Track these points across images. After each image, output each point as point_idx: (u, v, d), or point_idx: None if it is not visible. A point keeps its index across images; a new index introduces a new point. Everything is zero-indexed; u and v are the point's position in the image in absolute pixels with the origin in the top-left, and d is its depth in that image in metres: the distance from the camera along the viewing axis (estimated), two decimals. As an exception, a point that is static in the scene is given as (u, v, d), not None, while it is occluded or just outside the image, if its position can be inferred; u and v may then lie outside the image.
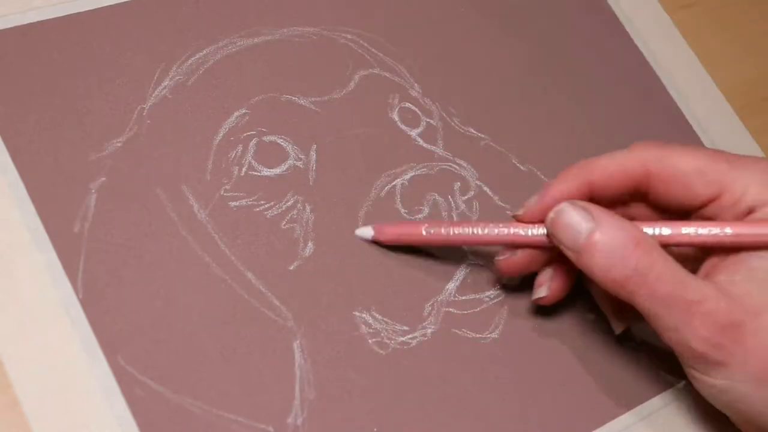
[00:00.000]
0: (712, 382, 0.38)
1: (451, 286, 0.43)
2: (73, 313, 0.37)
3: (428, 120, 0.47)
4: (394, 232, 0.42)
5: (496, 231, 0.41)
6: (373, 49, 0.48)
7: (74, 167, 0.40)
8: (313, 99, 0.45)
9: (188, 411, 0.37)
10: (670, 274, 0.37)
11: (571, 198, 0.40)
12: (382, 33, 0.48)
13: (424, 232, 0.41)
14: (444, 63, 0.49)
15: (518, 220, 0.41)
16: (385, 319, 0.41)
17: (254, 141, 0.43)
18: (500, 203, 0.46)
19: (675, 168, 0.40)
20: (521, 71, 0.51)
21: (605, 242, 0.38)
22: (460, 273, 0.43)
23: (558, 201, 0.40)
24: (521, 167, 0.47)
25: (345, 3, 0.48)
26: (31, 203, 0.39)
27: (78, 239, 0.38)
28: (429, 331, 0.41)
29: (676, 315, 0.37)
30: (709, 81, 0.55)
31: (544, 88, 0.51)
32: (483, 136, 0.48)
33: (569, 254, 0.39)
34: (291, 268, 0.41)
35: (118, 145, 0.41)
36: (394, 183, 0.44)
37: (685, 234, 0.39)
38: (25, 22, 0.42)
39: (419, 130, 0.46)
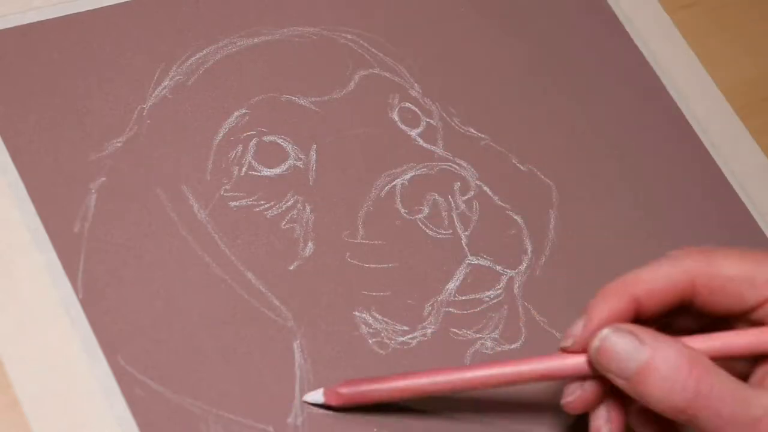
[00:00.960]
0: None
1: (451, 286, 0.43)
2: (73, 313, 0.37)
3: (428, 120, 0.47)
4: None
5: (539, 366, 0.38)
6: (373, 49, 0.48)
7: (74, 167, 0.40)
8: (313, 99, 0.45)
9: (188, 411, 0.37)
10: (730, 392, 0.36)
11: (618, 319, 0.38)
12: (382, 33, 0.48)
13: (452, 377, 0.38)
14: (444, 63, 0.49)
15: (567, 351, 0.39)
16: (385, 319, 0.41)
17: (254, 141, 0.43)
18: (500, 203, 0.46)
19: (722, 277, 0.38)
20: (521, 71, 0.51)
21: (660, 368, 0.36)
22: (460, 273, 0.43)
23: (605, 324, 0.38)
24: (521, 167, 0.47)
25: (345, 3, 0.48)
26: (31, 203, 0.39)
27: (78, 239, 0.38)
28: (429, 331, 0.41)
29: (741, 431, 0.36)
30: (709, 81, 0.55)
31: (544, 88, 0.51)
32: (483, 136, 0.47)
33: (619, 382, 0.37)
34: (291, 268, 0.41)
35: (118, 145, 0.41)
36: (394, 183, 0.44)
37: (736, 345, 0.38)
38: (25, 22, 0.42)
39: (419, 130, 0.46)
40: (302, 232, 0.42)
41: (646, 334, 0.37)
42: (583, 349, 0.38)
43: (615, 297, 0.38)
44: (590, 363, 0.37)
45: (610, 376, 0.37)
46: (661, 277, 0.39)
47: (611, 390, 0.38)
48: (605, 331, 0.37)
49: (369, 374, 0.39)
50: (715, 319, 0.39)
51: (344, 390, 0.38)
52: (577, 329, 0.38)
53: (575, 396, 0.39)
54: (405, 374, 0.38)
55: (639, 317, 0.38)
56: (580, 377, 0.38)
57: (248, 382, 0.38)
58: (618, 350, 0.36)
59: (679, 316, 0.40)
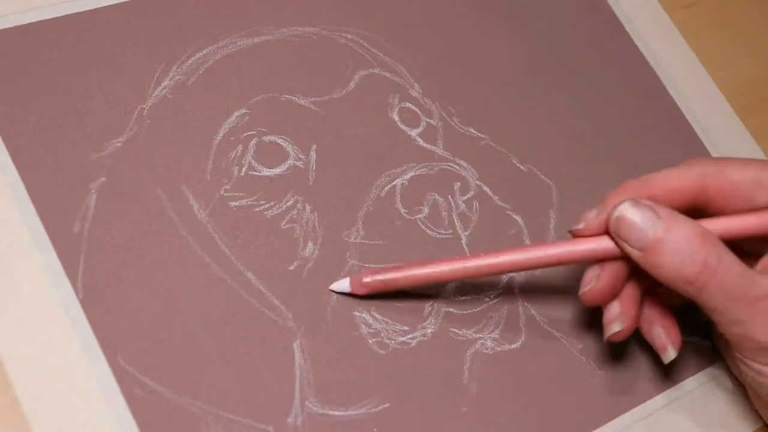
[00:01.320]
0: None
1: (451, 286, 0.43)
2: (73, 313, 0.37)
3: (428, 120, 0.47)
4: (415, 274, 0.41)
5: (553, 251, 0.40)
6: (373, 49, 0.48)
7: (74, 167, 0.40)
8: (313, 99, 0.45)
9: (188, 411, 0.37)
10: (737, 270, 0.38)
11: None
12: (382, 33, 0.48)
13: (469, 264, 0.40)
14: (444, 63, 0.49)
15: (577, 235, 0.41)
16: (385, 319, 0.41)
17: (254, 141, 0.43)
18: (500, 203, 0.46)
19: (732, 180, 0.40)
20: (521, 71, 0.51)
21: (673, 239, 0.38)
22: (460, 273, 0.43)
23: None
24: (521, 167, 0.47)
25: (345, 3, 0.48)
26: (31, 203, 0.39)
27: (78, 239, 0.38)
28: (429, 331, 0.41)
29: (741, 309, 0.38)
30: (709, 81, 0.55)
31: (544, 88, 0.51)
32: (483, 136, 0.48)
33: (634, 254, 0.39)
34: (291, 268, 0.41)
35: (118, 145, 0.41)
36: (394, 183, 0.44)
37: (745, 225, 0.40)
38: (25, 22, 0.42)
39: (419, 130, 0.46)
40: (302, 232, 0.42)
41: (663, 209, 0.39)
42: (597, 233, 0.40)
43: (631, 191, 0.40)
44: (609, 236, 0.40)
45: (626, 247, 0.39)
46: (675, 178, 0.41)
47: (625, 280, 0.40)
48: (625, 203, 0.39)
49: (369, 374, 0.40)
50: None
51: (369, 279, 0.40)
52: (591, 215, 0.40)
53: (591, 286, 0.41)
54: (426, 262, 0.41)
55: None
56: (594, 261, 0.40)
57: (248, 382, 0.38)
58: (636, 220, 0.39)
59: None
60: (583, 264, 0.41)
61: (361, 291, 0.41)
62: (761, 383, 0.40)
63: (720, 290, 0.38)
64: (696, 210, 0.41)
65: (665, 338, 0.42)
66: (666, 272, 0.38)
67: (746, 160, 0.41)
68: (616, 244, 0.39)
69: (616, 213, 0.39)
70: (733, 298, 0.38)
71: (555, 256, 0.40)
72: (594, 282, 0.40)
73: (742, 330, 0.38)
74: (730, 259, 0.38)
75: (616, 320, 0.41)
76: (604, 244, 0.40)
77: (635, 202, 0.39)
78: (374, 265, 0.42)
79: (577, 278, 0.43)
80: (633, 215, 0.39)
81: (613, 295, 0.41)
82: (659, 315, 0.42)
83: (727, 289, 0.38)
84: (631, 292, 0.41)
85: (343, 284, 0.41)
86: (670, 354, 0.42)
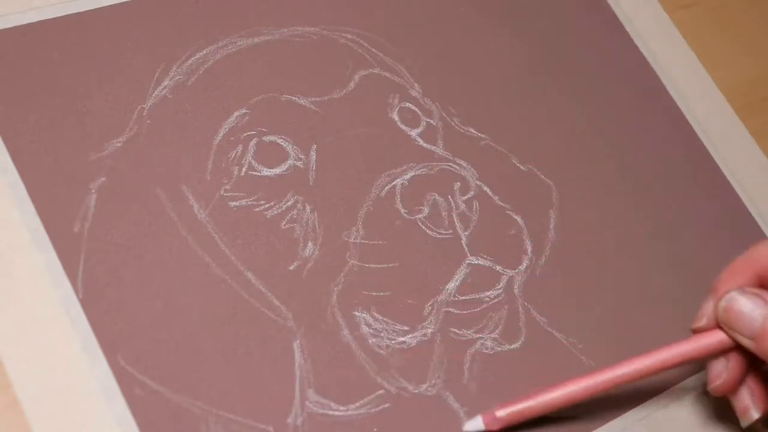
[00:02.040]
0: None
1: (451, 286, 0.43)
2: (73, 313, 0.37)
3: (428, 120, 0.47)
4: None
5: (678, 351, 0.40)
6: (373, 49, 0.48)
7: (74, 167, 0.40)
8: (313, 99, 0.45)
9: (188, 411, 0.37)
10: None
11: None
12: (382, 33, 0.48)
13: (598, 380, 0.40)
14: (444, 63, 0.49)
15: (697, 331, 0.41)
16: (385, 319, 0.41)
17: (254, 141, 0.43)
18: (500, 203, 0.46)
19: None
20: (521, 71, 0.51)
21: None
22: (460, 273, 0.43)
23: None
24: (521, 167, 0.47)
25: (345, 3, 0.48)
26: (31, 203, 0.39)
27: (78, 239, 0.38)
28: (429, 331, 0.41)
29: None
30: (709, 81, 0.55)
31: (544, 88, 0.51)
32: (483, 136, 0.48)
33: (746, 343, 0.39)
34: (291, 268, 0.41)
35: (118, 145, 0.41)
36: (394, 183, 0.44)
37: None
38: (25, 22, 0.42)
39: (419, 130, 0.46)
40: (302, 232, 0.42)
41: None
42: (713, 328, 0.40)
43: (740, 274, 0.40)
44: (720, 327, 0.40)
45: (737, 336, 0.39)
46: None
47: (752, 368, 0.40)
48: (732, 293, 0.39)
49: (369, 374, 0.40)
50: None
51: (501, 413, 0.39)
52: (708, 308, 0.40)
53: (721, 380, 0.40)
54: (554, 385, 0.40)
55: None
56: (718, 354, 0.40)
57: (248, 382, 0.38)
58: (743, 309, 0.39)
59: None
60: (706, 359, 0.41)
61: (496, 427, 0.40)
62: None
63: None
64: None
65: (751, 403, 0.41)
66: None
67: None
68: (727, 334, 0.40)
69: (723, 303, 0.39)
70: None
71: (680, 356, 0.40)
72: (724, 374, 0.40)
73: None
74: None
75: (751, 407, 0.41)
76: (723, 337, 0.40)
77: (742, 291, 0.39)
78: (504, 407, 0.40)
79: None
80: (740, 304, 0.39)
81: (741, 382, 0.41)
82: (750, 382, 0.41)
83: None
84: (756, 375, 0.41)
85: (477, 424, 0.40)
86: (751, 415, 0.41)
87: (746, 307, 0.39)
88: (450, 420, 0.40)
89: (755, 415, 0.41)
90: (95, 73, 0.42)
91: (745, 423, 0.41)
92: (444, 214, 0.44)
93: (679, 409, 0.44)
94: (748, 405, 0.41)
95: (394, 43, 0.48)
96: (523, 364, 0.42)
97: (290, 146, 0.44)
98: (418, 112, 0.47)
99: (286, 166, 0.43)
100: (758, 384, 0.41)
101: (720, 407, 0.44)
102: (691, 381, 0.45)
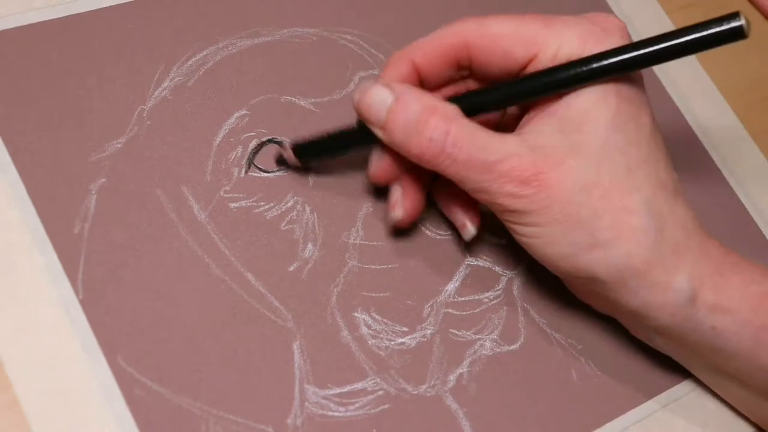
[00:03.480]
0: (524, 230, 0.39)
1: (451, 287, 0.43)
2: (73, 314, 0.37)
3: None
4: None
5: None
6: (372, 50, 0.48)
7: (74, 168, 0.40)
8: (313, 100, 0.45)
9: (188, 411, 0.37)
10: (467, 138, 0.38)
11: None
12: (382, 34, 0.48)
13: None
14: (444, 63, 0.49)
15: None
16: (384, 319, 0.41)
17: (254, 142, 0.43)
18: (500, 204, 0.46)
19: (491, 34, 0.40)
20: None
21: (402, 113, 0.39)
22: (460, 274, 0.43)
23: None
24: (521, 168, 0.47)
25: (345, 4, 0.48)
26: (31, 203, 0.39)
27: (78, 240, 0.38)
28: (428, 332, 0.41)
29: (480, 177, 0.38)
30: (709, 81, 0.55)
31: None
32: (483, 136, 0.47)
33: (378, 134, 0.40)
34: (291, 269, 0.41)
35: (119, 145, 0.41)
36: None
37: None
38: (25, 23, 0.42)
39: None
40: (302, 233, 0.42)
41: (399, 86, 0.40)
42: None
43: (397, 63, 0.41)
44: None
45: (372, 127, 0.40)
46: (435, 41, 0.41)
47: (406, 165, 0.41)
48: (363, 85, 0.40)
49: (368, 375, 0.40)
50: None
51: None
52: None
53: (372, 168, 0.41)
54: None
55: (424, 84, 0.41)
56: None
57: (248, 383, 0.38)
58: (372, 101, 0.39)
59: (468, 86, 0.42)
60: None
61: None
62: (526, 244, 0.40)
63: (453, 162, 0.38)
64: (462, 70, 0.42)
65: (463, 216, 0.42)
66: (400, 148, 0.39)
67: (511, 15, 0.41)
68: (366, 125, 0.40)
69: (356, 96, 0.40)
70: (468, 168, 0.38)
71: None
72: (375, 162, 0.41)
73: (487, 197, 0.39)
74: (459, 130, 0.38)
75: (397, 205, 0.42)
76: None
77: (373, 82, 0.40)
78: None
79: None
80: (370, 95, 0.39)
81: (395, 175, 0.41)
82: (459, 199, 0.42)
83: (460, 161, 0.38)
84: (413, 177, 0.42)
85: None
86: (469, 230, 0.42)
87: (374, 97, 0.39)
88: (449, 421, 0.40)
89: (472, 229, 0.42)
90: (95, 73, 0.42)
91: (467, 237, 0.42)
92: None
93: (677, 410, 0.44)
94: (463, 222, 0.42)
95: (394, 44, 0.48)
96: (523, 365, 0.42)
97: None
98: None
99: (286, 167, 0.43)
100: (466, 201, 0.42)
101: (720, 407, 0.45)
102: (690, 382, 0.45)
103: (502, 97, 0.40)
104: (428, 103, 0.39)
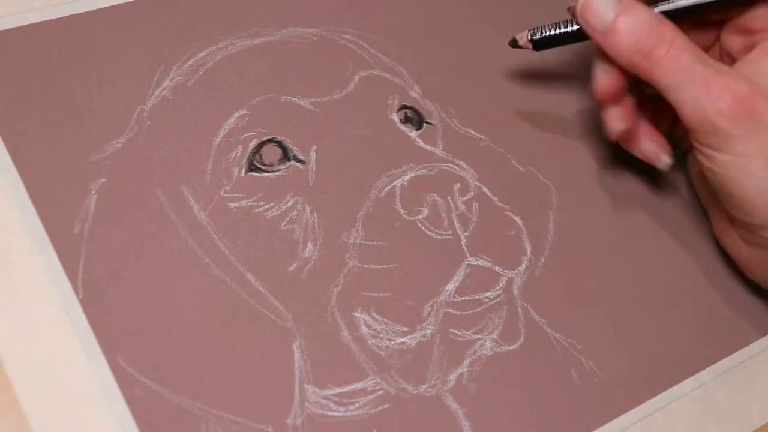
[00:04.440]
0: (722, 159, 0.40)
1: (451, 287, 0.43)
2: (73, 314, 0.37)
3: (428, 121, 0.47)
4: None
5: None
6: (372, 50, 0.48)
7: (74, 168, 0.40)
8: (313, 100, 0.45)
9: (188, 411, 0.37)
10: (691, 48, 0.40)
11: None
12: (382, 34, 0.48)
13: None
14: (444, 64, 0.49)
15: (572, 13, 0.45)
16: (384, 319, 0.41)
17: (254, 142, 0.43)
18: (500, 204, 0.46)
19: None
20: (521, 72, 0.51)
21: (630, 20, 0.41)
22: (460, 274, 0.43)
23: None
24: (521, 168, 0.47)
25: (345, 4, 0.48)
26: (31, 203, 0.39)
27: (78, 240, 0.38)
28: (428, 331, 0.41)
29: (696, 85, 0.39)
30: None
31: (544, 89, 0.51)
32: (482, 137, 0.48)
33: (596, 36, 0.42)
34: (291, 268, 0.41)
35: (118, 145, 0.41)
36: (393, 184, 0.44)
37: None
38: (25, 23, 0.42)
39: (419, 131, 0.46)
40: (302, 233, 0.42)
41: None
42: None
43: None
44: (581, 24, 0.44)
45: (591, 31, 0.42)
46: None
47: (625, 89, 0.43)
48: None
49: (368, 375, 0.40)
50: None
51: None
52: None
53: (600, 83, 0.44)
54: None
55: None
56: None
57: (248, 383, 0.38)
58: (597, 5, 0.42)
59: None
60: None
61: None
62: (718, 172, 0.40)
63: (674, 66, 0.40)
64: None
65: (657, 148, 0.44)
66: (623, 50, 0.41)
67: None
68: (584, 29, 0.43)
69: (580, 2, 0.43)
70: (687, 74, 0.39)
71: None
72: (604, 78, 0.43)
73: (695, 109, 0.39)
74: (684, 40, 0.40)
75: (660, 152, 0.44)
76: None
77: None
78: None
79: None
80: (596, 3, 0.42)
81: (618, 96, 0.43)
82: (649, 131, 0.45)
83: (682, 64, 0.40)
84: (629, 101, 0.44)
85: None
86: (664, 160, 0.44)
87: (601, 5, 0.42)
88: (449, 421, 0.40)
89: (667, 159, 0.44)
90: (95, 73, 0.42)
91: (664, 167, 0.44)
92: (443, 214, 0.44)
93: (678, 410, 0.44)
94: (656, 151, 0.44)
95: (394, 44, 0.48)
96: (523, 364, 0.42)
97: (290, 147, 0.44)
98: (418, 112, 0.47)
99: (286, 167, 0.43)
100: (653, 131, 0.44)
101: (720, 407, 0.45)
102: (690, 382, 0.45)
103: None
104: (659, 17, 0.41)
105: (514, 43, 0.47)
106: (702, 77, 0.39)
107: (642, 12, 0.41)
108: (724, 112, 0.39)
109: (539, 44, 0.47)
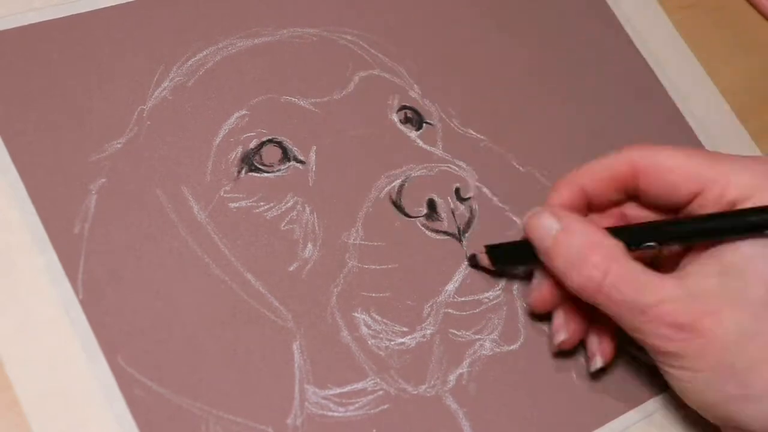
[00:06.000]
0: (675, 373, 0.39)
1: (451, 287, 0.43)
2: (73, 314, 0.37)
3: (428, 121, 0.47)
4: None
5: None
6: (372, 50, 0.48)
7: (74, 168, 0.40)
8: (312, 100, 0.45)
9: (188, 411, 0.37)
10: (626, 280, 0.38)
11: (569, 209, 0.41)
12: (382, 34, 0.48)
13: None
14: (443, 64, 0.49)
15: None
16: (384, 320, 0.41)
17: (254, 142, 0.43)
18: (499, 204, 0.46)
19: (658, 166, 0.41)
20: (521, 72, 0.51)
21: (565, 245, 0.39)
22: (459, 274, 0.43)
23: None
24: (520, 168, 0.47)
25: (345, 4, 0.48)
26: (31, 204, 0.39)
27: (78, 240, 0.38)
28: (428, 332, 0.41)
29: (635, 317, 0.38)
30: (709, 81, 0.55)
31: (544, 89, 0.51)
32: (482, 137, 0.48)
33: (542, 258, 0.40)
34: (290, 269, 0.41)
35: (118, 146, 0.41)
36: (393, 184, 0.44)
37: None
38: (25, 23, 0.42)
39: (419, 131, 0.46)
40: (302, 233, 0.42)
41: (568, 216, 0.40)
42: None
43: (565, 188, 0.42)
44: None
45: (538, 253, 0.41)
46: (605, 167, 0.42)
47: (598, 319, 0.42)
48: (534, 209, 0.41)
49: (368, 375, 0.40)
50: (662, 212, 0.42)
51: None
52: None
53: (532, 296, 0.42)
54: None
55: (591, 209, 0.42)
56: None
57: (248, 383, 0.38)
58: (539, 225, 0.40)
59: (632, 211, 0.43)
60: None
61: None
62: (677, 386, 0.39)
63: (608, 301, 0.38)
64: (629, 194, 0.42)
65: (596, 347, 0.42)
66: (560, 279, 0.40)
67: (684, 148, 0.41)
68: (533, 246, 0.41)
69: (525, 217, 0.41)
70: (625, 308, 0.38)
71: None
72: (535, 292, 0.42)
73: (640, 336, 0.39)
74: (621, 267, 0.38)
75: (560, 329, 0.42)
76: None
77: (543, 208, 0.41)
78: None
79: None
80: (538, 220, 0.40)
81: (555, 303, 0.42)
82: (603, 330, 0.42)
83: (615, 301, 0.38)
84: (575, 305, 0.42)
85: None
86: (595, 364, 0.42)
87: (541, 222, 0.40)
88: (449, 421, 0.40)
89: (599, 363, 0.42)
90: (95, 73, 0.42)
91: (591, 369, 0.43)
92: (443, 215, 0.44)
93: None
94: (594, 352, 0.42)
95: (394, 44, 0.48)
96: (523, 364, 0.42)
97: (290, 147, 0.44)
98: (418, 113, 0.47)
99: (286, 167, 0.43)
100: (604, 335, 0.42)
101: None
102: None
103: (667, 236, 0.40)
104: (592, 239, 0.39)
105: (472, 262, 0.44)
106: (639, 308, 0.38)
107: (579, 238, 0.39)
108: (668, 337, 0.37)
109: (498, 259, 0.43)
